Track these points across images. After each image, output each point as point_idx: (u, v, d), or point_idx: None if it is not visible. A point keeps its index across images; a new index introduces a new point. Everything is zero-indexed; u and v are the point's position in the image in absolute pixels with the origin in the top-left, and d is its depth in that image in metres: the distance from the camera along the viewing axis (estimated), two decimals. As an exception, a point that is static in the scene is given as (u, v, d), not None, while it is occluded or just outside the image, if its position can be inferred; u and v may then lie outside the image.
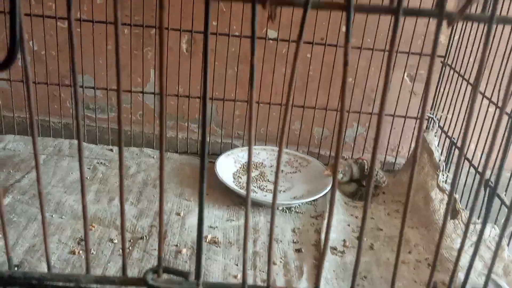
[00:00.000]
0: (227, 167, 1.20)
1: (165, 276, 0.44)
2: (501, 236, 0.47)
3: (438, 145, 1.19)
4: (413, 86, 1.29)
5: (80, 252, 0.89)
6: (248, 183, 0.40)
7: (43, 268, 0.84)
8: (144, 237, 0.94)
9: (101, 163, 1.21)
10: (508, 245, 0.93)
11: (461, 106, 1.11)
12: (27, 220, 0.95)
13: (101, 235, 0.94)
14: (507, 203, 0.91)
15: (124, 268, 0.43)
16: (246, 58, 1.26)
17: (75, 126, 1.32)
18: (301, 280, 0.88)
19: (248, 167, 0.41)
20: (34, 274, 0.40)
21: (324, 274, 0.90)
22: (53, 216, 0.98)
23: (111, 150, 1.28)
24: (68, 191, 1.06)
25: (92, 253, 0.89)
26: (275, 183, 0.40)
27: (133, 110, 1.34)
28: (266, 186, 1.17)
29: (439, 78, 1.24)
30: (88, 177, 1.14)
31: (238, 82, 1.28)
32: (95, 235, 0.94)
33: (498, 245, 0.47)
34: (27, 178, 1.08)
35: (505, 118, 0.94)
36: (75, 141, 1.28)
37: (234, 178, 1.18)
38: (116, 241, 0.93)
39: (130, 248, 0.91)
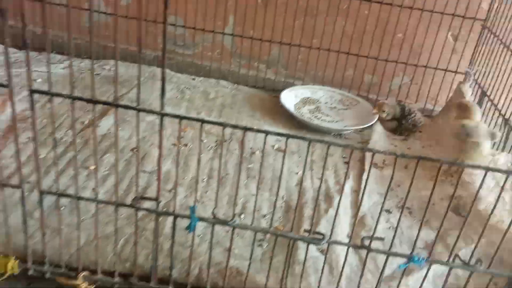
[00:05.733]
0: (290, 99, 1.44)
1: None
2: None
3: (471, 95, 1.39)
4: (455, 44, 1.48)
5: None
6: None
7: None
8: (226, 140, 1.22)
9: (186, 88, 1.48)
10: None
11: (496, 65, 1.31)
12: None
13: (193, 136, 1.21)
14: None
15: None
16: (311, 11, 1.48)
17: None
18: (348, 181, 1.13)
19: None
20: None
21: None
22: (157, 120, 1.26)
23: (194, 79, 1.55)
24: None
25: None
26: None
27: (213, 48, 1.59)
28: (320, 117, 1.41)
29: (478, 38, 1.43)
30: (178, 97, 1.41)
31: (304, 32, 1.50)
32: (190, 135, 1.22)
33: None
34: (132, 92, 1.37)
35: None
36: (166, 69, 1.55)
37: (295, 108, 1.43)
38: (204, 140, 1.20)
39: (217, 143, 1.18)
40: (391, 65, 1.51)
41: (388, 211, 1.05)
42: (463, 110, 1.32)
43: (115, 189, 0.73)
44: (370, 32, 1.48)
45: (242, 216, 0.96)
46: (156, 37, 1.62)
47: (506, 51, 1.28)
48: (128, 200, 0.94)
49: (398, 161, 1.27)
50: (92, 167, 1.04)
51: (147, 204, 0.75)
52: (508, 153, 1.18)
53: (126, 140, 1.16)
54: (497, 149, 1.22)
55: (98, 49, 1.55)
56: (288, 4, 1.48)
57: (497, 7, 1.36)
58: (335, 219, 0.72)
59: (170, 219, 0.90)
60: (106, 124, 1.20)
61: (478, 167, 0.68)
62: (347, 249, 0.76)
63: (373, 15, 1.45)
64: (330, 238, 0.73)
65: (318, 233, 0.73)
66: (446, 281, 0.75)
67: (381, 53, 1.48)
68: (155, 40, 1.62)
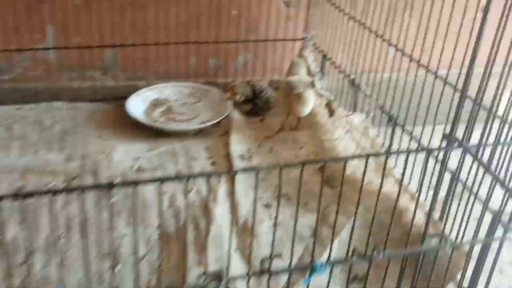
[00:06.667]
0: (137, 105, 1.32)
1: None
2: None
3: (313, 60, 1.41)
4: (288, 11, 1.48)
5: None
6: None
7: None
8: (77, 176, 1.07)
9: (13, 121, 1.26)
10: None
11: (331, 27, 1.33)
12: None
13: (37, 183, 1.04)
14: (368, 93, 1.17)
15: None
16: (138, 4, 1.35)
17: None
18: (220, 185, 1.07)
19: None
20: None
21: (239, 176, 1.10)
22: (-15, 174, 1.06)
23: (20, 108, 1.33)
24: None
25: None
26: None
27: (35, 66, 1.38)
28: (175, 117, 1.32)
29: (309, 2, 1.44)
30: (5, 136, 1.20)
31: (135, 28, 1.37)
32: (31, 184, 1.04)
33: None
34: None
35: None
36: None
37: (146, 114, 1.31)
38: (50, 184, 1.04)
39: (67, 183, 1.03)
40: (232, 44, 1.46)
41: (267, 206, 1.03)
42: (290, 67, 1.33)
43: None
44: (204, 15, 1.40)
45: (119, 266, 0.86)
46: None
47: (337, 11, 1.30)
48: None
49: (261, 146, 1.25)
50: None
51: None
52: (361, 113, 1.23)
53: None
54: (349, 111, 1.25)
55: None
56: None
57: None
58: (228, 260, 0.66)
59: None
60: None
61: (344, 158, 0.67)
62: (248, 279, 0.71)
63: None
64: (228, 276, 0.67)
65: (214, 274, 0.67)
66: (349, 276, 0.76)
67: (220, 35, 1.42)
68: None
